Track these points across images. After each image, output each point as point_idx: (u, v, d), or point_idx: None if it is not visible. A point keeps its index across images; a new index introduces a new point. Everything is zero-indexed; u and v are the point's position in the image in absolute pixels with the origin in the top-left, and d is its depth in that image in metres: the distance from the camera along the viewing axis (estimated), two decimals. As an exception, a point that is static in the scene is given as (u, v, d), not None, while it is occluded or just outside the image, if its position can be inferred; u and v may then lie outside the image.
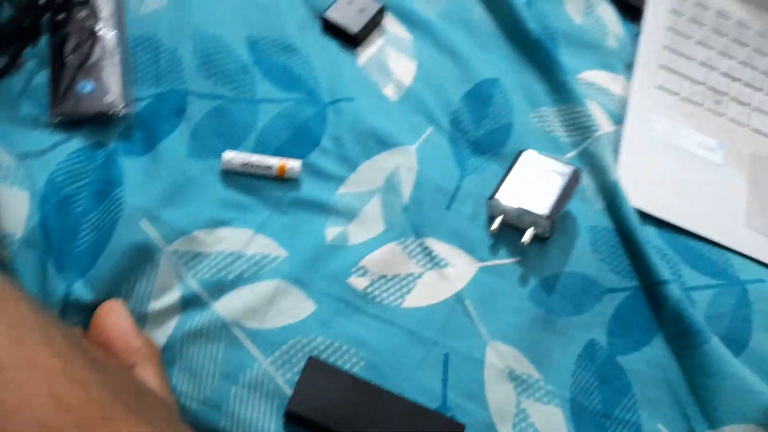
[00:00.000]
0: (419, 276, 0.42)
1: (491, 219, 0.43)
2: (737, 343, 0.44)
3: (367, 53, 0.48)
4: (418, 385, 0.38)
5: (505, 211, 0.42)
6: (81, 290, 0.36)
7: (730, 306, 0.46)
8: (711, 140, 0.53)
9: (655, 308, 0.43)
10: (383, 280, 0.41)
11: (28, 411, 0.24)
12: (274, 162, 0.41)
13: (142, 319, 0.37)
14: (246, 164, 0.41)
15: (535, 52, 0.51)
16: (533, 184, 0.42)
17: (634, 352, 0.42)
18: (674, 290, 0.42)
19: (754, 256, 0.48)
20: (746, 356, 0.43)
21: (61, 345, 0.27)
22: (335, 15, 0.48)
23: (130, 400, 0.28)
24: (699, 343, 0.41)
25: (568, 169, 0.43)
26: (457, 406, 0.38)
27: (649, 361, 0.41)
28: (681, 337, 0.42)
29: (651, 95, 0.53)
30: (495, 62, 0.50)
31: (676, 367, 0.42)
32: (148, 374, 0.33)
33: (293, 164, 0.41)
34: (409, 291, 0.41)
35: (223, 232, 0.39)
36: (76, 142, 0.39)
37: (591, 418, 0.40)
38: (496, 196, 0.42)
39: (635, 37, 0.56)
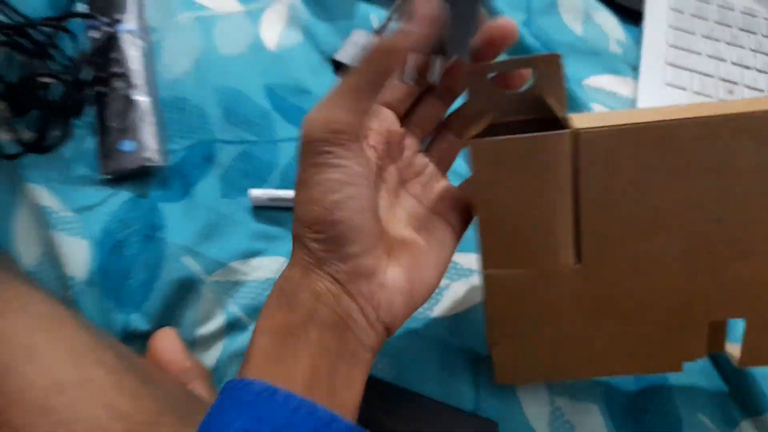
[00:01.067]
0: (446, 288, 0.44)
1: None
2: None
3: (377, 87, 0.52)
4: (451, 389, 0.40)
5: None
6: (137, 321, 0.40)
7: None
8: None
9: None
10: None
11: (86, 422, 0.28)
12: (298, 194, 0.45)
13: (191, 344, 0.41)
14: (272, 199, 0.45)
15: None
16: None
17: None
18: None
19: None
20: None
21: (114, 363, 0.31)
22: (344, 56, 0.52)
23: (180, 408, 0.31)
24: None
25: None
26: (491, 407, 0.40)
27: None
28: None
29: (660, 93, 0.54)
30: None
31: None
32: (200, 390, 0.37)
33: (315, 194, 0.45)
34: (437, 302, 0.43)
35: (257, 261, 0.43)
36: (123, 195, 0.44)
37: (628, 411, 0.41)
38: None
39: (638, 39, 0.57)
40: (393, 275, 0.29)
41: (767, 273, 0.33)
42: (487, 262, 0.33)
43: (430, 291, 0.31)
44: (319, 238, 0.27)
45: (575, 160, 0.30)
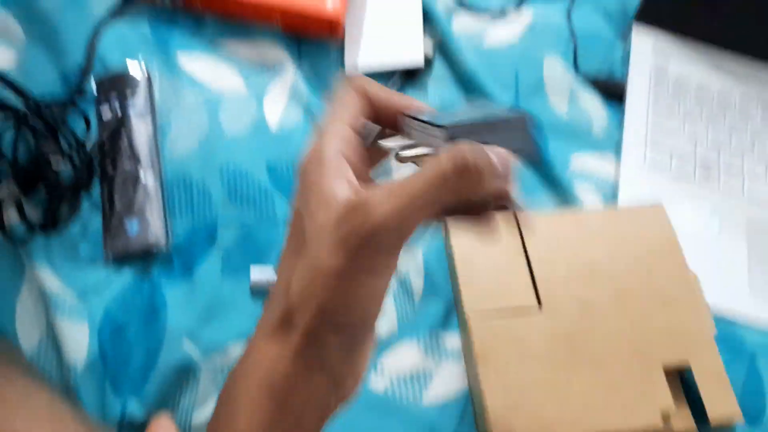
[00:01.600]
0: (435, 370, 0.45)
1: None
2: (752, 417, 0.46)
3: (373, 164, 0.54)
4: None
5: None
6: (134, 408, 0.41)
7: (742, 378, 0.47)
8: (705, 211, 0.56)
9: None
10: (401, 378, 0.44)
11: None
12: (296, 275, 0.46)
13: (188, 430, 0.42)
14: (272, 279, 0.46)
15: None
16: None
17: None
18: None
19: (761, 324, 0.50)
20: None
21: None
22: (342, 135, 0.54)
23: None
24: None
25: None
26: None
27: None
28: None
29: (641, 174, 0.57)
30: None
31: None
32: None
33: (313, 275, 0.47)
34: (426, 386, 0.45)
35: (255, 342, 0.44)
36: (126, 276, 0.45)
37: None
38: None
39: (621, 119, 0.60)
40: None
41: (691, 319, 0.43)
42: (468, 303, 0.43)
43: None
44: (340, 342, 0.25)
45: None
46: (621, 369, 0.42)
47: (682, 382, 0.43)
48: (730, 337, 0.49)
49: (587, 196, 0.54)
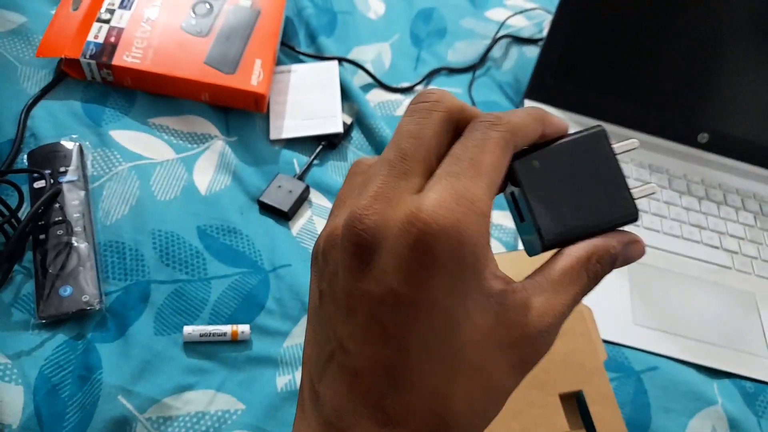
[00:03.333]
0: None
1: None
2: (640, 427, 0.52)
3: (298, 224, 0.59)
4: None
5: None
6: (70, 465, 0.42)
7: (630, 395, 0.54)
8: (593, 254, 0.63)
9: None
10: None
11: None
12: (227, 329, 0.49)
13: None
14: (204, 334, 0.49)
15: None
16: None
17: None
18: None
19: (643, 347, 0.57)
20: (650, 437, 0.51)
21: None
22: (269, 198, 0.59)
23: None
24: None
25: None
26: None
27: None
28: None
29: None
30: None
31: None
32: None
33: (243, 328, 0.50)
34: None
35: (189, 395, 0.47)
36: (60, 338, 0.47)
37: None
38: None
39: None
40: None
41: (584, 348, 0.48)
42: None
43: None
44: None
45: None
46: (521, 398, 0.47)
47: (579, 405, 0.49)
48: (619, 360, 0.56)
49: (492, 244, 0.61)
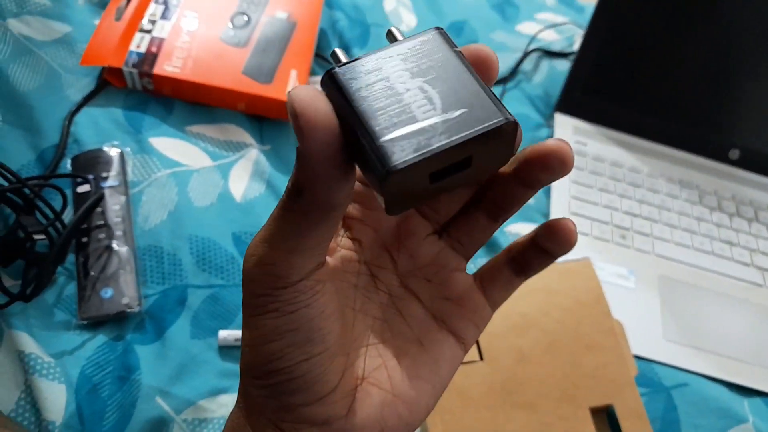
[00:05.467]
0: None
1: None
2: (670, 444, 0.52)
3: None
4: None
5: None
6: (110, 464, 0.43)
7: (660, 411, 0.54)
8: (623, 269, 0.63)
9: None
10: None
11: None
12: (261, 334, 0.50)
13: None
14: (238, 339, 0.50)
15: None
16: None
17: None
18: None
19: (674, 364, 0.57)
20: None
21: None
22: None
23: None
24: None
25: None
26: None
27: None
28: None
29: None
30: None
31: None
32: None
33: (277, 334, 0.51)
34: None
35: (223, 398, 0.48)
36: (100, 338, 0.48)
37: None
38: None
39: (548, 192, 0.68)
40: (359, 421, 0.24)
41: (615, 362, 0.49)
42: None
43: (413, 427, 0.25)
44: (257, 384, 0.23)
45: None
46: (552, 411, 0.47)
47: (610, 419, 0.49)
48: (649, 376, 0.55)
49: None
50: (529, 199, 0.25)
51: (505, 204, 0.26)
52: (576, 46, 0.83)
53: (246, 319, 0.23)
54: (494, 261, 0.28)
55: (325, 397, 0.23)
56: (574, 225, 0.25)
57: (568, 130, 0.74)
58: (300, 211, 0.21)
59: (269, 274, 0.22)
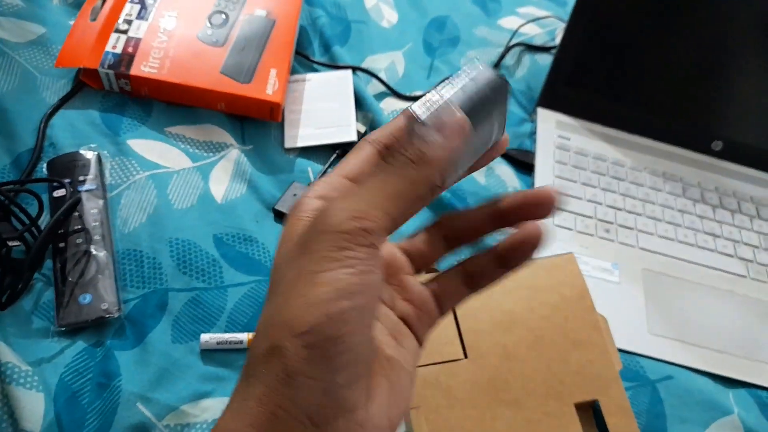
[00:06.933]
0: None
1: None
2: (656, 436, 0.52)
3: (313, 233, 0.59)
4: None
5: None
6: (89, 474, 0.43)
7: (646, 404, 0.54)
8: (607, 263, 0.63)
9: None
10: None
11: None
12: (244, 337, 0.50)
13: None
14: (220, 342, 0.49)
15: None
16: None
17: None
18: None
19: (659, 357, 0.57)
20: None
21: None
22: (284, 206, 0.59)
23: None
24: None
25: None
26: None
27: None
28: None
29: (550, 232, 0.65)
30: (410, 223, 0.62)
31: None
32: None
33: (260, 336, 0.50)
34: None
35: (206, 402, 0.47)
36: (79, 345, 0.47)
37: None
38: None
39: (531, 186, 0.68)
40: (375, 411, 0.23)
41: (600, 358, 0.49)
42: None
43: (400, 419, 0.25)
44: (308, 355, 0.21)
45: None
46: (538, 408, 0.47)
47: (596, 414, 0.49)
48: (635, 370, 0.55)
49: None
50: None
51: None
52: (558, 40, 0.83)
53: (312, 273, 0.22)
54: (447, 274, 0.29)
55: (360, 380, 0.23)
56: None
57: (550, 124, 0.74)
58: (412, 180, 0.23)
59: (363, 228, 0.22)
